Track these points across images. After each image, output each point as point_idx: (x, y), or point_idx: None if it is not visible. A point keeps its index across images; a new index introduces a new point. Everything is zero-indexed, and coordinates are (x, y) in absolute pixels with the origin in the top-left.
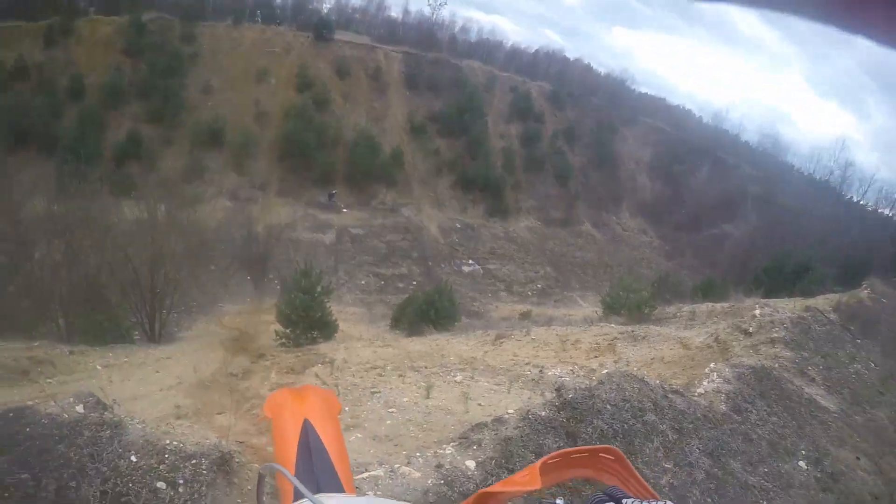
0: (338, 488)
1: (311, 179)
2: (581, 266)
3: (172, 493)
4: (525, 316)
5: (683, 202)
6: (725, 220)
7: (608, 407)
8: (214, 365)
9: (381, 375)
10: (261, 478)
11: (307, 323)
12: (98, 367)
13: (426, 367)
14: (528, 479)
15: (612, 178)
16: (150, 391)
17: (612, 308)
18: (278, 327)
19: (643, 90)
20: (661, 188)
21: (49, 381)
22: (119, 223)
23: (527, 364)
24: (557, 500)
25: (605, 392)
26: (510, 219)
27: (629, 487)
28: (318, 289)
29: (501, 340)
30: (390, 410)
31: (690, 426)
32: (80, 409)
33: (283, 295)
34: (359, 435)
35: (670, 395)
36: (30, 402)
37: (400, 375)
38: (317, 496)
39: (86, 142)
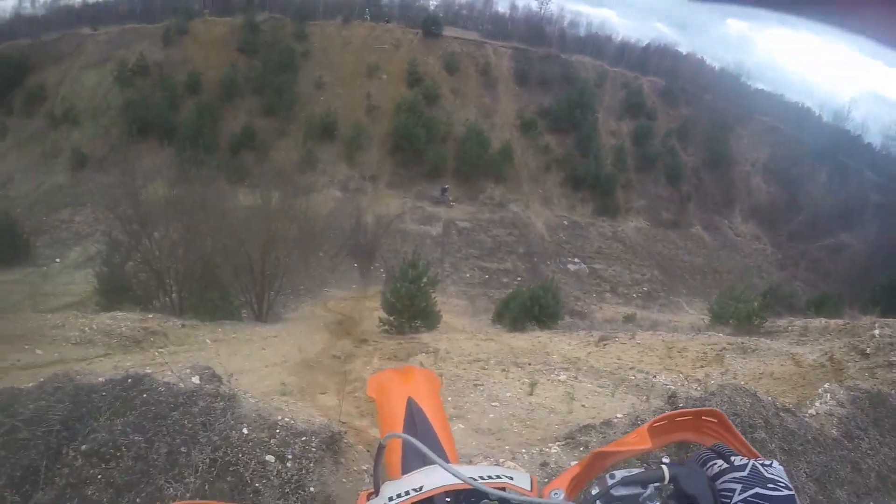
0: (445, 461)
1: (421, 173)
2: (689, 270)
3: (280, 467)
4: (629, 319)
5: (800, 208)
6: (844, 229)
7: None
8: (318, 346)
9: (483, 369)
10: (380, 449)
11: (411, 312)
12: (207, 341)
13: (529, 364)
14: (638, 439)
15: (726, 180)
16: (256, 367)
17: (720, 317)
18: (382, 314)
19: (759, 86)
20: (776, 192)
21: (161, 350)
22: (234, 209)
23: (631, 368)
24: (664, 459)
25: (716, 404)
26: (619, 218)
27: (733, 447)
28: (425, 279)
29: (605, 342)
30: (493, 404)
31: (799, 448)
32: (195, 380)
33: (388, 283)
34: (461, 426)
35: (782, 414)
36: (148, 370)
37: (503, 370)
38: (445, 464)
39: (202, 133)
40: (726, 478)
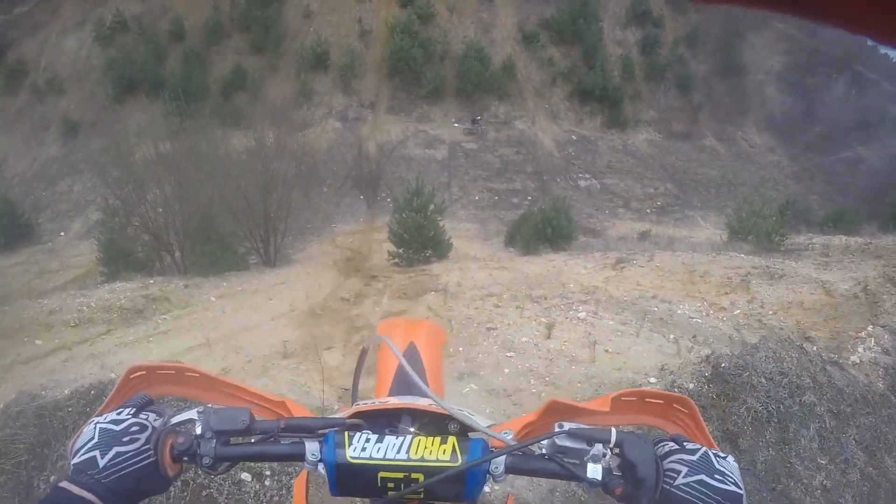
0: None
1: (421, 96)
2: (703, 183)
3: (258, 487)
4: (644, 235)
5: (816, 119)
6: (861, 142)
7: (763, 382)
8: (327, 289)
9: (497, 306)
10: (363, 353)
11: (420, 242)
12: (212, 299)
13: (545, 298)
14: (599, 404)
15: (739, 90)
16: (262, 321)
17: (738, 233)
18: (391, 247)
19: None
20: (791, 102)
21: (164, 317)
22: (228, 154)
23: (653, 298)
24: (612, 428)
25: (760, 362)
26: (629, 131)
27: (696, 440)
28: (431, 207)
29: (623, 265)
30: (508, 355)
31: (848, 409)
32: None
33: (395, 213)
34: (473, 386)
35: (828, 368)
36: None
37: (518, 308)
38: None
39: (191, 80)
40: (674, 458)
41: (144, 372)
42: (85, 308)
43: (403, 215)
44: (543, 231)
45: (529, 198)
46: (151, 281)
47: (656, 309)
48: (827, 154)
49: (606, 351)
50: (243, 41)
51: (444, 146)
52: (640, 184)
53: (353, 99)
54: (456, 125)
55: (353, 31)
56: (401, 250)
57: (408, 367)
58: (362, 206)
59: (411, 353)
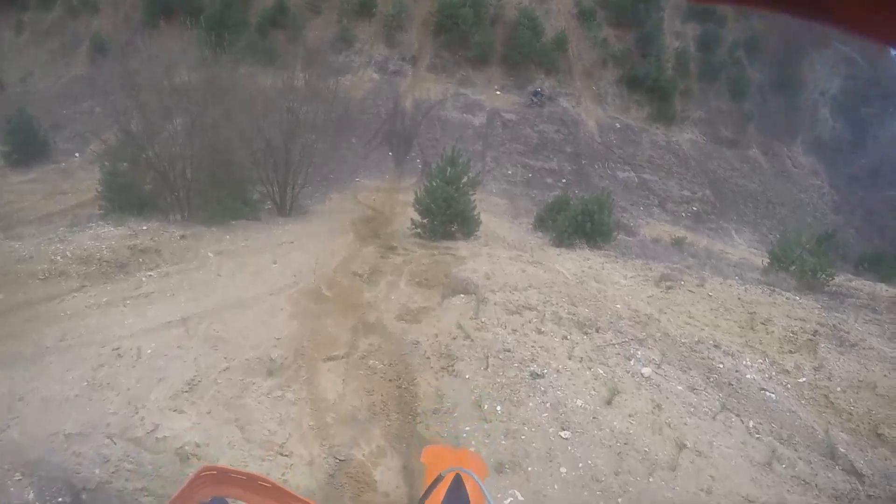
0: None
1: (466, 57)
2: (742, 196)
3: None
4: (678, 242)
5: (865, 151)
6: None
7: None
8: (339, 256)
9: (539, 332)
10: (438, 479)
11: (447, 216)
12: (210, 255)
13: (596, 328)
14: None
15: (792, 105)
16: (259, 294)
17: (782, 262)
18: (415, 215)
19: None
20: (842, 129)
21: (150, 273)
22: (257, 92)
23: (715, 346)
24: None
25: None
26: (674, 128)
27: None
28: (465, 179)
29: (669, 285)
30: (562, 435)
31: None
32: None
33: (423, 176)
34: (518, 496)
35: None
36: None
37: (565, 338)
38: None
39: (230, 11)
40: None
41: (216, 472)
42: (59, 258)
43: (433, 184)
44: (582, 225)
45: (564, 180)
46: (144, 227)
47: (722, 366)
48: (871, 189)
49: (685, 446)
50: None
51: (482, 113)
52: (678, 185)
53: (395, 51)
54: (498, 93)
55: None
56: (425, 221)
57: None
58: (390, 163)
59: (457, 487)
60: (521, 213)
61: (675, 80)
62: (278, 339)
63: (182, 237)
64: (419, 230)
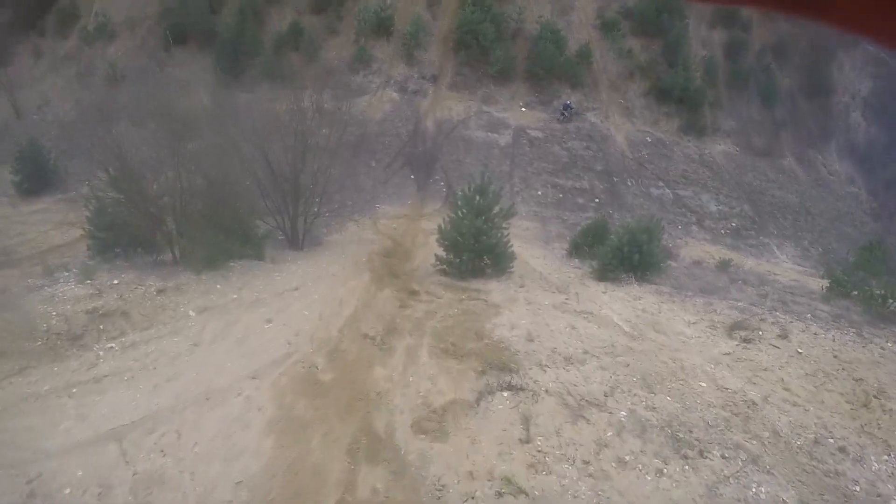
0: None
1: (488, 74)
2: (780, 208)
3: None
4: (724, 266)
5: None
6: None
7: None
8: (350, 307)
9: (622, 462)
10: None
11: (476, 251)
12: (190, 314)
13: (691, 439)
14: None
15: (824, 110)
16: (236, 379)
17: (842, 285)
18: (439, 251)
19: None
20: (876, 132)
21: (110, 345)
22: (268, 115)
23: (839, 450)
24: None
25: None
26: (706, 139)
27: None
28: (496, 209)
29: (745, 336)
30: None
31: None
32: None
33: (448, 200)
34: None
35: None
36: None
37: (660, 474)
38: None
39: (244, 35)
40: None
41: None
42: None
43: (461, 215)
44: (629, 257)
45: (597, 200)
46: (115, 282)
47: (858, 489)
48: None
49: None
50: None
51: (508, 131)
52: (714, 200)
53: (415, 70)
54: (523, 109)
55: None
56: (451, 257)
57: None
58: (412, 188)
59: None
60: (553, 238)
61: (704, 90)
62: (239, 482)
63: (159, 292)
64: (444, 267)
